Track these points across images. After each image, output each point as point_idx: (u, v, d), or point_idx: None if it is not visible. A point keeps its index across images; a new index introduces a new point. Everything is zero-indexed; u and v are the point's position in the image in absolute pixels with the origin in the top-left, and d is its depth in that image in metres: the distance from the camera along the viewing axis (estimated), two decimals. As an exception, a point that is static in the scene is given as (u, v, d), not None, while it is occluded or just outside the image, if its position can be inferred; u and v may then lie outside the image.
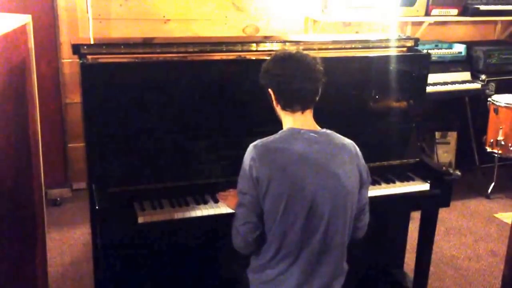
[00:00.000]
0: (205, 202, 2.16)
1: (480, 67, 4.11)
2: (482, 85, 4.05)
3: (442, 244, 3.35)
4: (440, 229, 3.43)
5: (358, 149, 1.85)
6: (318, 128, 1.84)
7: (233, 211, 1.90)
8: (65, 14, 3.62)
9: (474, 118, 4.29)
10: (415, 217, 2.80)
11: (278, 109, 1.86)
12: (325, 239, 1.76)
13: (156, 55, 2.30)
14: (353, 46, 2.61)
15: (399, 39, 2.70)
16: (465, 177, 4.21)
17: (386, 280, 2.86)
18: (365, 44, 2.65)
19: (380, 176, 2.44)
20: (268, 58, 1.88)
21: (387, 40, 2.67)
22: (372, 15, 3.95)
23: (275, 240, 1.77)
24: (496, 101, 3.85)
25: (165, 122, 2.24)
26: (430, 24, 4.21)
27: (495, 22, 4.63)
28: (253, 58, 2.35)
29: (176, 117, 2.25)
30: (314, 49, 2.46)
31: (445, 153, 4.30)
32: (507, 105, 3.78)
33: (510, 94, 3.95)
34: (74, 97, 3.71)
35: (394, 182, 2.44)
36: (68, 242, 3.23)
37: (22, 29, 2.24)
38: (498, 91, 4.09)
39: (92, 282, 2.57)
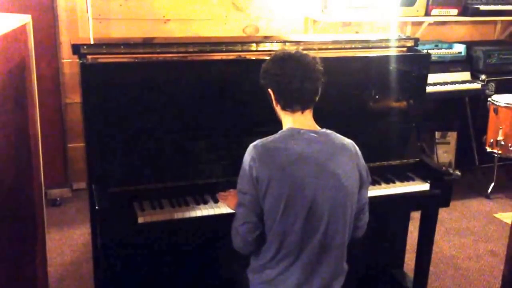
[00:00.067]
0: (205, 202, 2.17)
1: (480, 67, 4.11)
2: (482, 85, 4.05)
3: (442, 244, 3.35)
4: (440, 229, 3.43)
5: (358, 149, 1.85)
6: (318, 128, 1.84)
7: (233, 211, 1.90)
8: (65, 14, 3.62)
9: (474, 118, 4.29)
10: (415, 217, 2.80)
11: (278, 109, 1.86)
12: (325, 239, 1.76)
13: (156, 55, 2.30)
14: (353, 46, 2.61)
15: (399, 39, 2.70)
16: (465, 177, 4.22)
17: (386, 280, 2.86)
18: (365, 44, 2.65)
19: (380, 176, 2.44)
20: (268, 58, 1.88)
21: (387, 40, 2.67)
22: (372, 15, 3.95)
23: (275, 240, 1.77)
24: (496, 101, 3.85)
25: (165, 122, 2.24)
26: (430, 24, 4.21)
27: (495, 22, 4.62)
28: (253, 58, 2.35)
29: (176, 117, 2.25)
30: (314, 49, 2.46)
31: (445, 153, 4.30)
32: (507, 105, 3.78)
33: (510, 94, 3.95)
34: (74, 97, 3.71)
35: (394, 182, 2.44)
36: (68, 242, 3.23)
37: (22, 29, 2.24)
38: (498, 91, 4.09)
39: (92, 282, 2.57)
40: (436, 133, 4.24)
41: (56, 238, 3.25)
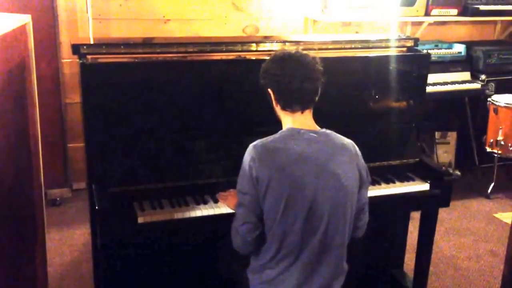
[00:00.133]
0: (205, 202, 2.17)
1: (480, 67, 4.11)
2: (481, 85, 4.05)
3: (442, 244, 3.35)
4: (440, 229, 3.43)
5: (357, 149, 1.85)
6: (317, 128, 1.84)
7: (233, 211, 1.90)
8: (65, 14, 3.62)
9: (473, 118, 4.30)
10: (415, 217, 2.80)
11: (277, 109, 1.86)
12: (325, 239, 1.76)
13: (156, 55, 2.30)
14: (353, 46, 2.61)
15: (399, 39, 2.70)
16: (465, 177, 4.22)
17: (386, 280, 2.86)
18: (365, 44, 2.65)
19: (380, 176, 2.44)
20: (268, 58, 1.88)
21: (387, 40, 2.67)
22: (372, 15, 3.95)
23: (275, 240, 1.77)
24: (496, 101, 3.85)
25: (165, 122, 2.24)
26: (430, 24, 4.21)
27: (495, 22, 4.62)
28: (253, 58, 2.35)
29: (176, 117, 2.25)
30: (314, 49, 2.46)
31: (445, 153, 4.30)
32: (506, 105, 3.78)
33: (509, 94, 3.95)
34: (74, 97, 3.71)
35: (394, 182, 2.44)
36: (68, 242, 3.23)
37: (22, 29, 2.24)
38: (498, 91, 4.09)
39: (92, 282, 2.57)
40: (436, 133, 4.24)
41: (56, 238, 3.25)
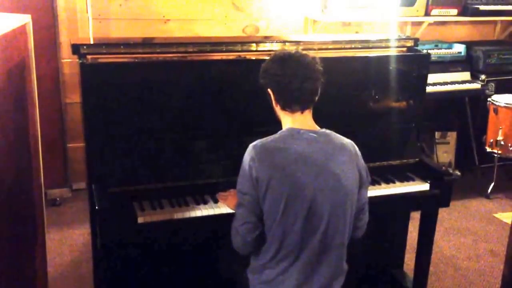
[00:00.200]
0: (205, 202, 2.17)
1: (479, 67, 4.11)
2: (481, 85, 4.05)
3: (442, 244, 3.35)
4: (439, 229, 3.43)
5: (357, 148, 1.85)
6: (317, 128, 1.84)
7: (233, 211, 1.90)
8: (65, 14, 3.62)
9: (473, 118, 4.30)
10: (415, 217, 2.80)
11: (277, 109, 1.86)
12: (325, 239, 1.76)
13: (156, 55, 2.30)
14: (352, 46, 2.61)
15: (399, 39, 2.70)
16: (464, 177, 4.22)
17: (386, 280, 2.86)
18: (365, 44, 2.65)
19: (380, 176, 2.44)
20: (268, 58, 1.88)
21: (387, 40, 2.67)
22: (372, 15, 3.96)
23: (275, 240, 1.77)
24: (496, 101, 3.85)
25: (165, 122, 2.24)
26: (430, 24, 4.21)
27: (495, 22, 4.63)
28: (253, 58, 2.35)
29: (176, 117, 2.25)
30: (314, 49, 2.46)
31: (444, 153, 4.30)
32: (506, 105, 3.79)
33: (509, 94, 3.95)
34: (74, 97, 3.71)
35: (394, 182, 2.44)
36: (67, 242, 3.23)
37: (22, 29, 2.24)
38: (498, 91, 4.09)
39: (92, 282, 2.57)
40: (436, 133, 4.25)
41: (56, 238, 3.25)
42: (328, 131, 1.84)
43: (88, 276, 2.80)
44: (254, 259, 1.87)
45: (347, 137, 1.86)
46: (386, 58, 2.56)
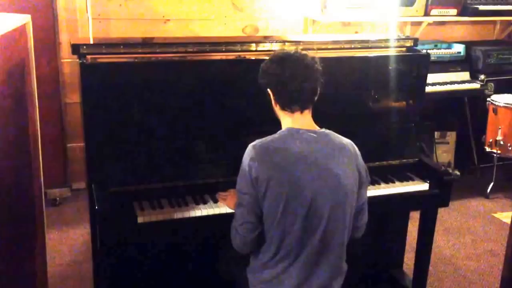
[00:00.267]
0: (205, 202, 2.17)
1: (479, 67, 4.11)
2: (481, 85, 4.05)
3: (441, 244, 3.36)
4: (439, 229, 3.43)
5: (357, 148, 1.85)
6: (317, 128, 1.84)
7: (233, 211, 1.91)
8: (65, 14, 3.62)
9: (473, 118, 4.30)
10: (415, 217, 2.80)
11: (277, 109, 1.86)
12: (325, 239, 1.77)
13: (156, 55, 2.30)
14: (352, 46, 2.61)
15: (399, 39, 2.70)
16: (464, 177, 4.22)
17: (386, 280, 2.86)
18: (365, 44, 2.65)
19: (380, 176, 2.45)
20: (267, 58, 1.88)
21: (386, 40, 2.67)
22: (372, 15, 3.96)
23: (274, 240, 1.77)
24: (495, 101, 3.85)
25: (164, 122, 2.24)
26: (429, 24, 4.21)
27: (494, 22, 4.63)
28: (253, 58, 2.35)
29: (176, 117, 2.25)
30: (314, 49, 2.46)
31: (444, 153, 4.30)
32: (506, 105, 3.79)
33: (509, 94, 3.95)
34: (73, 97, 3.71)
35: (393, 182, 2.44)
36: (67, 242, 3.23)
37: (22, 29, 2.24)
38: (497, 91, 4.09)
39: (91, 282, 2.57)
40: (436, 133, 4.25)
41: (56, 238, 3.25)
42: (327, 131, 1.84)
43: (88, 276, 2.80)
44: (254, 259, 1.87)
45: (347, 137, 1.86)
46: (385, 58, 2.56)
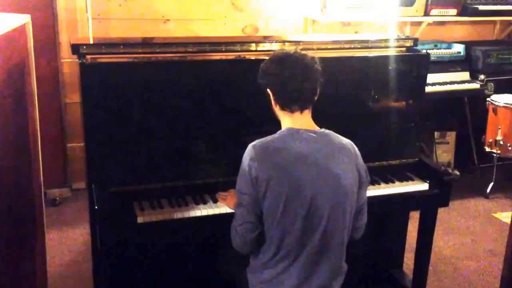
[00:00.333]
0: (204, 202, 2.17)
1: (479, 67, 4.11)
2: (481, 85, 4.05)
3: (441, 244, 3.36)
4: (439, 228, 3.43)
5: (356, 148, 1.85)
6: (316, 128, 1.84)
7: (233, 211, 1.91)
8: (64, 14, 3.62)
9: (473, 118, 4.30)
10: (414, 216, 2.80)
11: (276, 109, 1.86)
12: (324, 239, 1.77)
13: (156, 55, 2.30)
14: (352, 46, 2.61)
15: (398, 39, 2.70)
16: (464, 177, 4.22)
17: (385, 280, 2.86)
18: (364, 44, 2.65)
19: (379, 176, 2.45)
20: (267, 58, 1.88)
21: (386, 40, 2.67)
22: (371, 15, 3.96)
23: (274, 240, 1.77)
24: (495, 101, 3.85)
25: (164, 122, 2.24)
26: (429, 24, 4.21)
27: (494, 22, 4.63)
28: (253, 58, 2.35)
29: (175, 117, 2.25)
30: (313, 49, 2.46)
31: (444, 153, 4.30)
32: (505, 105, 3.79)
33: (509, 94, 3.95)
34: (73, 97, 3.71)
35: (393, 182, 2.44)
36: (67, 242, 3.23)
37: (22, 29, 2.24)
38: (497, 91, 4.09)
39: (91, 282, 2.57)
40: (435, 133, 4.25)
41: (56, 238, 3.25)
42: (327, 131, 1.84)
43: (88, 276, 2.80)
44: (254, 259, 1.87)
45: (347, 137, 1.86)
46: (385, 58, 2.56)
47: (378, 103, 2.56)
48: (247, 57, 2.37)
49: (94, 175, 2.14)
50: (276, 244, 1.77)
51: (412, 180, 2.47)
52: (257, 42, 2.45)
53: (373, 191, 2.32)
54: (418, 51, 2.67)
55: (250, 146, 1.79)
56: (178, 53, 2.32)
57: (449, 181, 2.42)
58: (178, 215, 2.08)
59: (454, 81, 4.04)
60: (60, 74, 3.68)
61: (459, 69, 4.10)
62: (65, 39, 3.61)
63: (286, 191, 1.72)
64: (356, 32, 4.24)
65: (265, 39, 3.00)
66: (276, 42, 2.52)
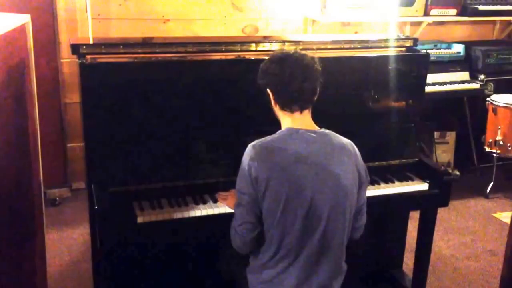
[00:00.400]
0: (204, 202, 2.17)
1: (478, 67, 4.12)
2: (480, 85, 4.05)
3: (441, 243, 3.36)
4: (439, 228, 3.43)
5: (356, 148, 1.85)
6: (316, 128, 1.84)
7: (232, 211, 1.91)
8: (64, 13, 3.62)
9: (472, 118, 4.30)
10: (414, 216, 2.81)
11: (276, 109, 1.86)
12: (324, 239, 1.77)
13: (155, 55, 2.30)
14: (352, 46, 2.61)
15: (398, 39, 2.70)
16: (463, 177, 4.22)
17: (385, 280, 2.86)
18: (364, 44, 2.65)
19: (379, 176, 2.45)
20: (267, 58, 1.88)
21: (386, 40, 2.68)
22: (371, 15, 3.96)
23: (274, 240, 1.77)
24: (495, 101, 3.85)
25: (164, 122, 2.24)
26: (429, 24, 4.21)
27: (494, 22, 4.63)
28: (252, 58, 2.35)
29: (175, 117, 2.25)
30: (313, 49, 2.46)
31: (444, 153, 4.31)
32: (505, 105, 3.79)
33: (508, 94, 3.95)
34: (73, 97, 3.71)
35: (393, 182, 2.44)
36: (67, 242, 3.23)
37: (21, 29, 2.24)
38: (497, 91, 4.09)
39: (91, 282, 2.57)
40: (435, 133, 4.25)
41: (55, 238, 3.25)
42: (327, 131, 1.84)
43: (88, 276, 2.80)
44: (254, 259, 1.87)
45: (347, 137, 1.86)
46: (385, 58, 2.56)
47: (378, 103, 2.56)
48: (247, 57, 2.37)
49: (94, 175, 2.14)
50: (276, 244, 1.77)
51: (412, 180, 2.47)
52: (257, 42, 2.46)
53: (373, 191, 2.32)
54: (418, 51, 2.67)
55: (250, 146, 1.79)
56: (178, 53, 2.32)
57: (449, 181, 2.42)
58: (178, 215, 2.08)
59: (454, 81, 4.04)
60: (60, 74, 3.68)
61: (459, 69, 4.10)
62: (65, 39, 3.61)
63: (286, 191, 1.72)
64: (356, 32, 4.24)
65: (265, 39, 3.00)
66: (276, 42, 2.52)
